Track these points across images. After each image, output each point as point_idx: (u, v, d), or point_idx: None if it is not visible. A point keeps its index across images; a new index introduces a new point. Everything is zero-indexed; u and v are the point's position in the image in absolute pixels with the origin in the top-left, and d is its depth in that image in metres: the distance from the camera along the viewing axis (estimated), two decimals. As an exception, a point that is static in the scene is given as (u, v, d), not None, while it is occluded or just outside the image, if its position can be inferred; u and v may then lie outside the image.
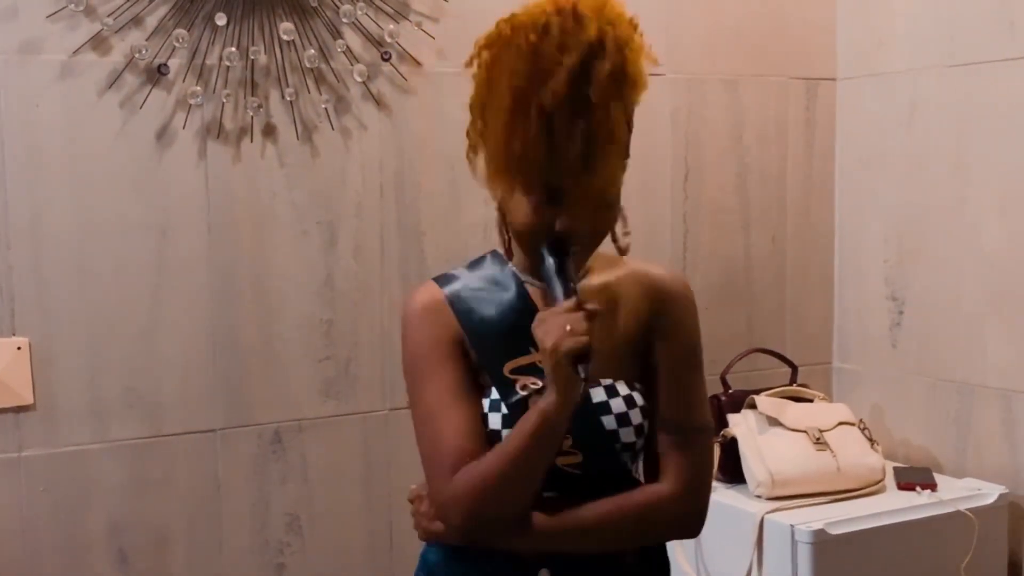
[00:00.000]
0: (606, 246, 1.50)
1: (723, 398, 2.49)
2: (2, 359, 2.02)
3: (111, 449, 2.12)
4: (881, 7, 2.67)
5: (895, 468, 2.50)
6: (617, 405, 1.46)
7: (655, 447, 1.49)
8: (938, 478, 2.44)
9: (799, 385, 2.58)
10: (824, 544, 2.17)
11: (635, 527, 1.46)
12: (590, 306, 1.35)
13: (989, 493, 2.36)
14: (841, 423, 2.43)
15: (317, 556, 2.31)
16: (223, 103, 2.15)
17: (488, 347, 1.45)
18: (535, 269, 1.45)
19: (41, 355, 2.05)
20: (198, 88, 2.12)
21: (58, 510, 2.09)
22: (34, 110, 2.02)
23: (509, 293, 1.49)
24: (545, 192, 1.40)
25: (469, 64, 1.45)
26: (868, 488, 2.36)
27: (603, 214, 1.45)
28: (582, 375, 1.32)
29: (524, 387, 1.44)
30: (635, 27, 1.42)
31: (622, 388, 1.47)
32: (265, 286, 2.23)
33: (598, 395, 1.46)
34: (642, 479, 1.51)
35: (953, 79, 2.51)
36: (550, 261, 1.40)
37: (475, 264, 1.55)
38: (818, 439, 2.37)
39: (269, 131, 2.20)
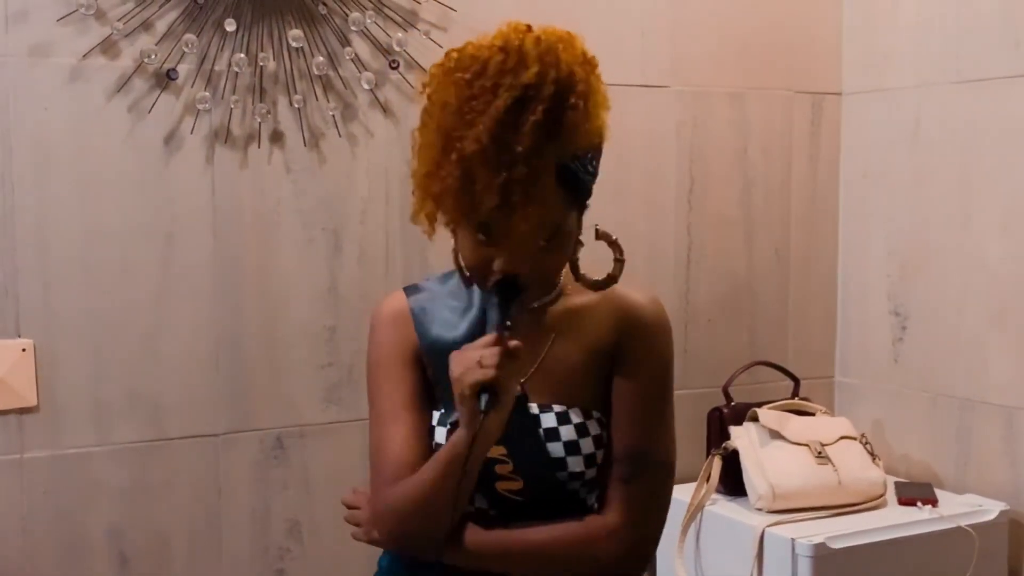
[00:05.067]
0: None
1: (725, 410, 2.49)
2: (6, 361, 2.02)
3: (113, 452, 2.12)
4: (887, 23, 2.68)
5: (896, 483, 2.50)
6: (567, 432, 1.42)
7: (608, 478, 1.44)
8: (939, 494, 2.43)
9: (801, 399, 2.58)
10: (824, 558, 2.17)
11: (567, 558, 1.41)
12: (512, 343, 1.30)
13: (990, 509, 2.36)
14: (842, 437, 2.43)
15: (317, 562, 2.30)
16: (231, 109, 2.16)
17: (442, 363, 1.39)
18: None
19: (45, 357, 2.06)
20: (206, 94, 2.13)
21: (59, 512, 2.09)
22: (43, 113, 2.03)
23: (469, 313, 1.49)
24: (478, 231, 1.35)
25: (422, 91, 1.38)
26: (869, 503, 2.36)
27: (545, 253, 1.37)
28: (482, 407, 1.27)
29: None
30: (592, 67, 1.34)
31: (575, 416, 1.43)
32: (269, 292, 2.23)
33: (548, 421, 1.43)
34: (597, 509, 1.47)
35: (958, 96, 2.51)
36: (494, 297, 1.36)
37: (446, 277, 1.54)
38: (819, 453, 2.37)
39: (276, 137, 2.21)
